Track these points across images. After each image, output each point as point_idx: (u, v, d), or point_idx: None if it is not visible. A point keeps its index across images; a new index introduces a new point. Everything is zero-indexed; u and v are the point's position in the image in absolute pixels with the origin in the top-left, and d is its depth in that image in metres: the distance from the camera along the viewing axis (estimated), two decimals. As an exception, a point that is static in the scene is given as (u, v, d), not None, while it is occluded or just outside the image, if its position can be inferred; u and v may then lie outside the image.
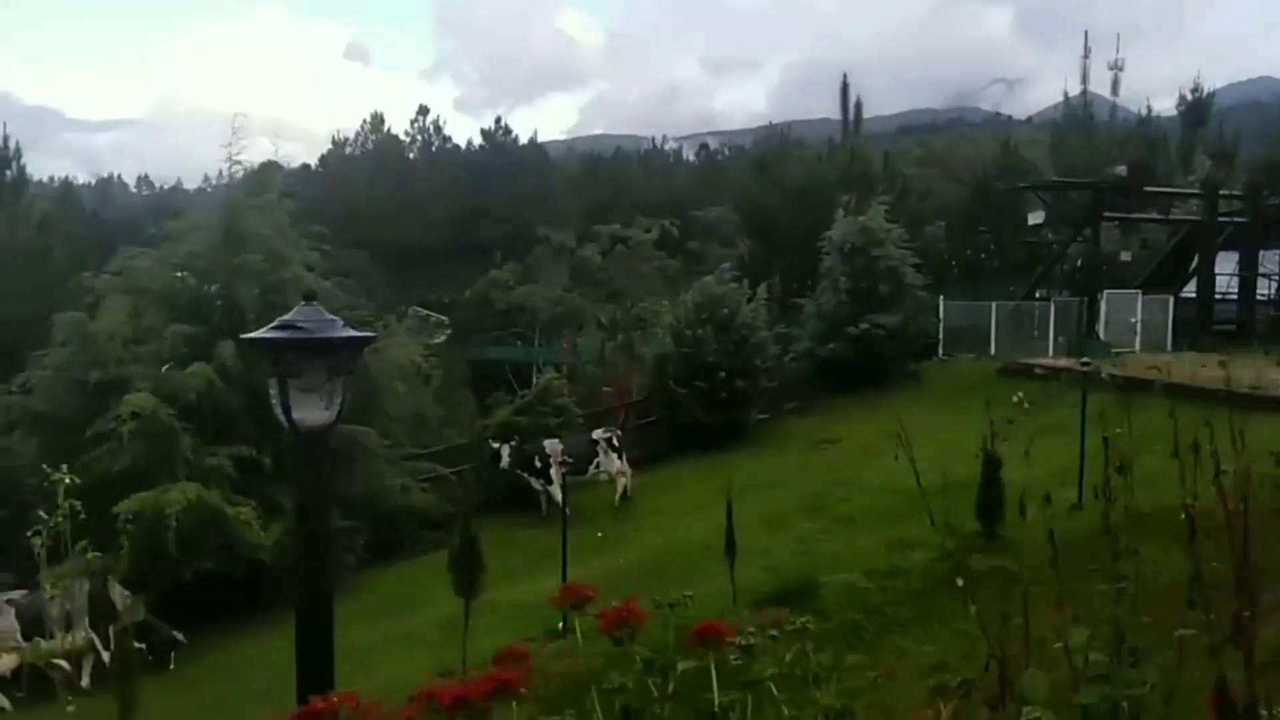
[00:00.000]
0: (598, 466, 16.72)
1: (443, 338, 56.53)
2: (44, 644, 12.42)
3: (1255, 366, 15.70)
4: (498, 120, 60.97)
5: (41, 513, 14.09)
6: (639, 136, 65.36)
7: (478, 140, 48.30)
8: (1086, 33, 40.72)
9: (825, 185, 33.93)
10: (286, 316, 4.00)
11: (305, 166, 47.81)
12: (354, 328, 4.24)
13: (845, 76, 43.95)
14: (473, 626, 11.92)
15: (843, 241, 23.13)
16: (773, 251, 35.18)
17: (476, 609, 12.26)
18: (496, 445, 16.50)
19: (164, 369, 14.19)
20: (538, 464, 16.30)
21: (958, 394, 19.21)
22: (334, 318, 4.09)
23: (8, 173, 22.99)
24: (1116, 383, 6.81)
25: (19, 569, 13.49)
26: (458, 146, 48.57)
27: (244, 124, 16.36)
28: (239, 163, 16.69)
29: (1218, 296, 26.20)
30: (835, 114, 44.44)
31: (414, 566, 15.63)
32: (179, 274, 15.00)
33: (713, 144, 58.82)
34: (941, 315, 24.87)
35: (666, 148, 56.90)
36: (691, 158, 56.28)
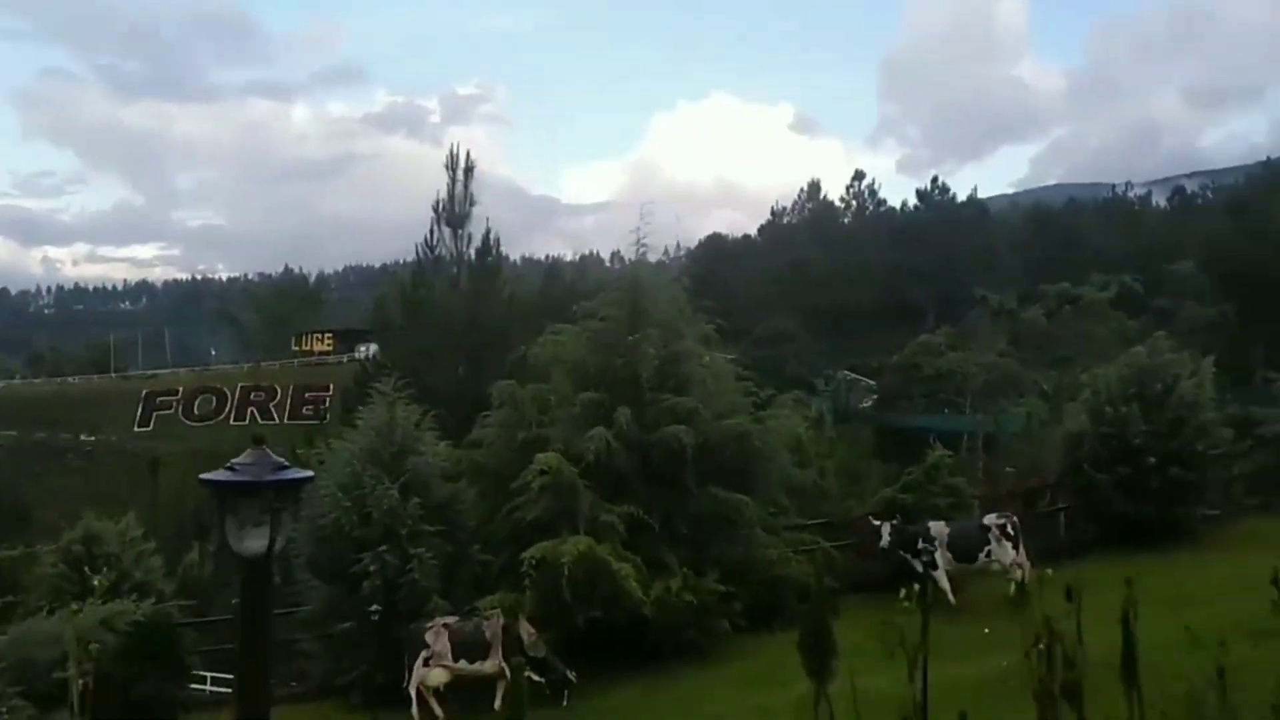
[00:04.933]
0: (989, 555, 15.41)
1: (869, 402, 55.88)
2: (469, 665, 14.43)
3: None
4: (934, 180, 59.64)
5: (476, 548, 16.56)
6: (1098, 185, 59.79)
7: (913, 202, 47.51)
8: None
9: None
10: (237, 458, 4.60)
11: (746, 236, 50.54)
12: (292, 470, 4.73)
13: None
14: (832, 714, 11.59)
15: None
16: (1258, 313, 30.08)
17: (836, 696, 11.90)
18: (877, 523, 15.95)
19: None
20: (921, 546, 15.47)
21: None
22: (279, 461, 4.64)
23: (489, 258, 27.35)
24: None
25: (457, 599, 15.77)
26: (893, 209, 48.18)
27: (651, 212, 17.92)
28: (646, 246, 18.19)
29: None
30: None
31: (789, 637, 15.55)
32: (588, 347, 16.78)
33: (1190, 187, 51.66)
34: None
35: (1131, 194, 51.18)
36: (1163, 203, 50.01)
